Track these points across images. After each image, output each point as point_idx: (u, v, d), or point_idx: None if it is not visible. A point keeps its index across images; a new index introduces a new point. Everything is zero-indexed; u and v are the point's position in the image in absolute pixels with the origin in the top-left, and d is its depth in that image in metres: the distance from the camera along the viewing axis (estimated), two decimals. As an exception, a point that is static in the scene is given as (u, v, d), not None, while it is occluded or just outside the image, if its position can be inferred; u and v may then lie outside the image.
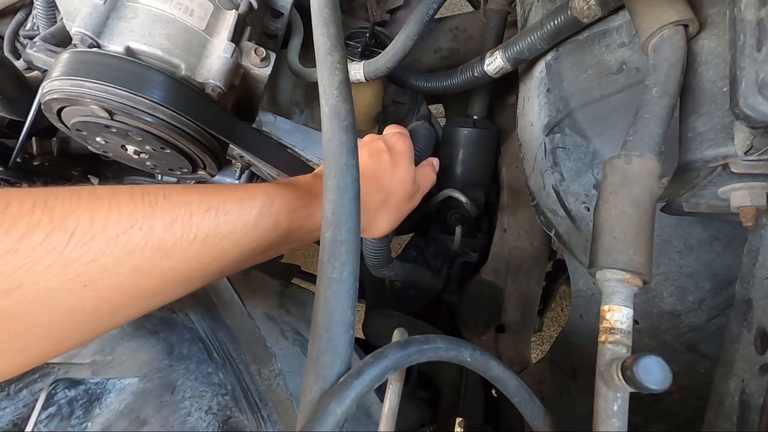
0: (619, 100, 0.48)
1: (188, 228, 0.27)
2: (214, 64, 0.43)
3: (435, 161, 0.53)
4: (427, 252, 0.84)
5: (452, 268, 0.85)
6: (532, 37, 0.53)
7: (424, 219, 0.86)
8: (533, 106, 0.62)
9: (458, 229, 0.77)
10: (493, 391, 0.75)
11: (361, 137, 0.69)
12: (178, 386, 0.30)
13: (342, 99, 0.30)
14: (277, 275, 0.60)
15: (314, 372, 0.21)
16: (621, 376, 0.22)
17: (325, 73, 0.31)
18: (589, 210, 0.53)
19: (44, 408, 0.27)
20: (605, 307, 0.26)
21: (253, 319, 0.41)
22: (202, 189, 0.30)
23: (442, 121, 1.04)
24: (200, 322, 0.39)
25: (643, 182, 0.27)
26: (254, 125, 0.57)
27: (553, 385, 0.67)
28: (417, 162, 0.52)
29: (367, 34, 0.60)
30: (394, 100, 0.85)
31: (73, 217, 0.23)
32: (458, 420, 0.69)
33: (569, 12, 0.48)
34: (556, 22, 0.49)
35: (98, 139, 0.44)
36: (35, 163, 0.57)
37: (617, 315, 0.26)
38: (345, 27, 0.69)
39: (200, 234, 0.28)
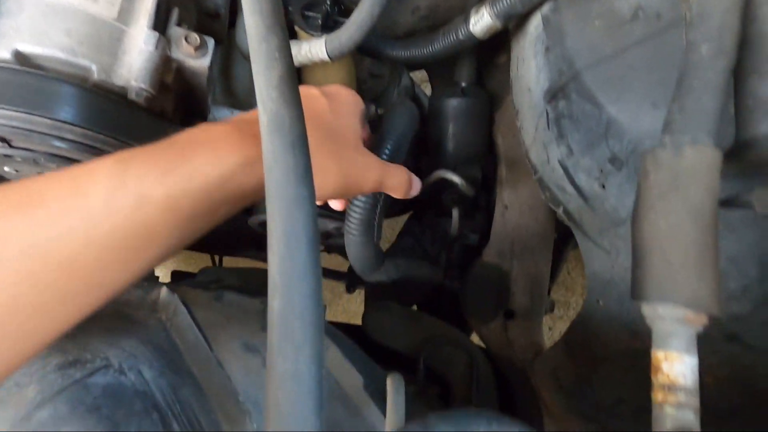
0: (637, 55, 0.40)
1: None
2: (134, 61, 0.34)
3: (416, 180, 0.42)
4: (423, 239, 0.78)
5: (452, 253, 0.79)
6: (525, -14, 0.44)
7: (418, 202, 0.79)
8: (530, 68, 0.53)
9: (455, 212, 0.70)
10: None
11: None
12: (121, 488, 0.24)
13: (284, 102, 0.22)
14: (256, 290, 0.53)
15: None
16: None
17: (260, 68, 0.23)
18: (604, 188, 0.46)
19: None
20: (659, 354, 0.20)
21: (223, 368, 0.35)
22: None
23: (427, 88, 0.94)
24: (157, 380, 0.32)
25: (702, 181, 0.20)
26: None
27: (571, 373, 0.62)
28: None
29: (328, 2, 0.51)
30: (371, 74, 0.76)
31: None
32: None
33: (569, -50, 0.39)
34: (553, -36, 0.40)
35: (6, 168, 0.36)
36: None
37: (679, 367, 0.19)
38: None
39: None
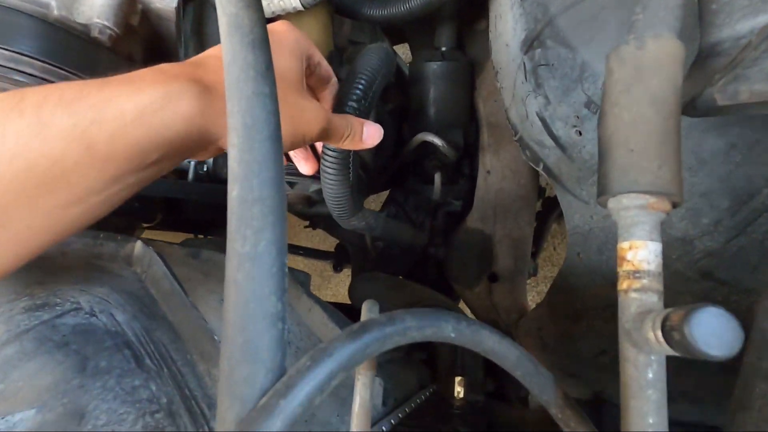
0: (609, -7, 0.40)
1: None
2: (97, -2, 0.33)
3: (372, 127, 0.37)
4: (406, 206, 0.78)
5: (436, 220, 0.79)
6: (498, -71, 0.43)
7: (401, 171, 0.79)
8: (507, 23, 0.53)
9: (437, 177, 0.70)
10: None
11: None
12: (90, 412, 0.24)
13: (244, 6, 0.21)
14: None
15: (228, 392, 0.15)
16: (661, 338, 0.16)
17: (218, -26, 0.23)
18: (581, 134, 0.46)
19: None
20: (624, 245, 0.20)
21: (198, 310, 0.34)
22: None
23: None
24: (130, 322, 0.32)
25: (663, 72, 0.20)
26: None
27: (554, 330, 0.63)
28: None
29: (302, -46, 0.50)
30: (351, 41, 0.75)
31: None
32: (458, 379, 0.65)
33: None
34: None
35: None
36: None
37: (642, 253, 0.19)
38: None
39: None
